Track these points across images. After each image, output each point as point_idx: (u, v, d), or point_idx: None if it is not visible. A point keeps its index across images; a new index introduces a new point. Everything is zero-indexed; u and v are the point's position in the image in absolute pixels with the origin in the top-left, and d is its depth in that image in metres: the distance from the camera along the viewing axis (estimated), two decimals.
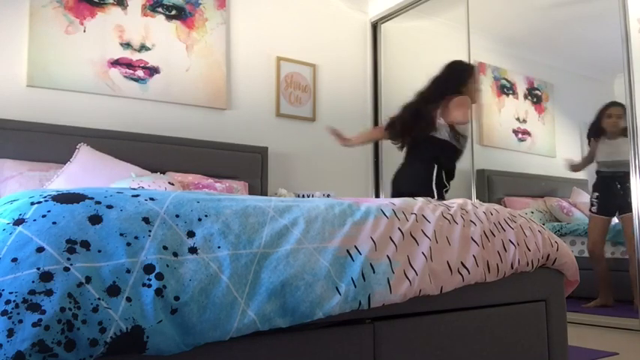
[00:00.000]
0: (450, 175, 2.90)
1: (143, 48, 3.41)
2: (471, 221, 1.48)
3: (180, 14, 3.57)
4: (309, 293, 1.06)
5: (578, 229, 3.97)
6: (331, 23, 4.32)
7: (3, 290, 0.79)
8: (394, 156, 3.37)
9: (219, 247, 1.02)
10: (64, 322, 0.80)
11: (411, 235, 1.31)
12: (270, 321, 1.01)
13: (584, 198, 4.30)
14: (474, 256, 1.40)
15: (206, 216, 1.06)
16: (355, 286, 1.13)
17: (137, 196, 1.04)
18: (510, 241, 1.52)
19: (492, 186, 4.17)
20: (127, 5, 3.38)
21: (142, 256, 0.92)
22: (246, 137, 3.74)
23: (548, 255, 1.62)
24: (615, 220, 3.87)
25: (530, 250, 1.56)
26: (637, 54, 2.92)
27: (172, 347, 0.89)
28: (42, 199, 0.94)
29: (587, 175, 4.35)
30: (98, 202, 0.97)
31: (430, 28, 4.53)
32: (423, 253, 1.29)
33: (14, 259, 0.82)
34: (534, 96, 4.49)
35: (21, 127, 2.85)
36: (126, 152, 3.05)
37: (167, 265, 0.94)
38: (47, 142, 2.89)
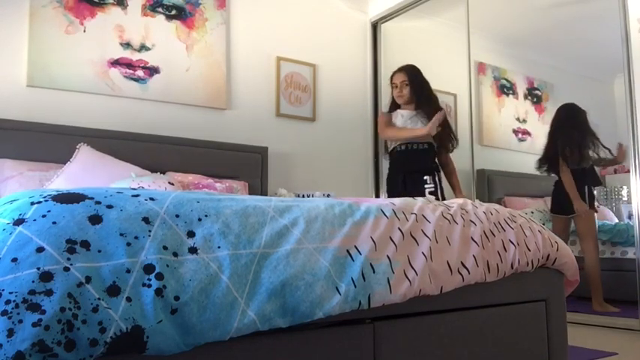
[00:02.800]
0: None
1: (143, 48, 3.41)
2: (471, 221, 1.48)
3: (180, 14, 3.57)
4: (309, 293, 1.06)
5: None
6: (331, 23, 4.32)
7: (3, 290, 0.79)
8: None
9: (219, 247, 1.02)
10: (64, 322, 0.80)
11: (411, 235, 1.31)
12: (270, 321, 1.01)
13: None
14: (474, 256, 1.40)
15: (206, 216, 1.06)
16: (355, 286, 1.12)
17: (137, 196, 1.04)
18: (510, 241, 1.52)
19: (492, 186, 4.16)
20: (127, 5, 3.38)
21: (142, 256, 0.92)
22: (246, 137, 3.74)
23: (548, 255, 1.62)
24: (615, 219, 3.87)
25: (530, 250, 1.56)
26: (637, 54, 2.92)
27: (172, 347, 0.89)
28: (42, 199, 0.94)
29: None
30: (98, 202, 0.97)
31: (430, 28, 4.53)
32: (423, 253, 1.29)
33: (14, 259, 0.82)
34: (534, 96, 4.49)
35: (21, 127, 2.85)
36: (126, 152, 3.05)
37: (167, 265, 0.94)
38: (47, 142, 2.88)
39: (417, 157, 3.23)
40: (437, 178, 3.21)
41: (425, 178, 3.16)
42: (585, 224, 3.48)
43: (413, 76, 3.29)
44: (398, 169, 3.31)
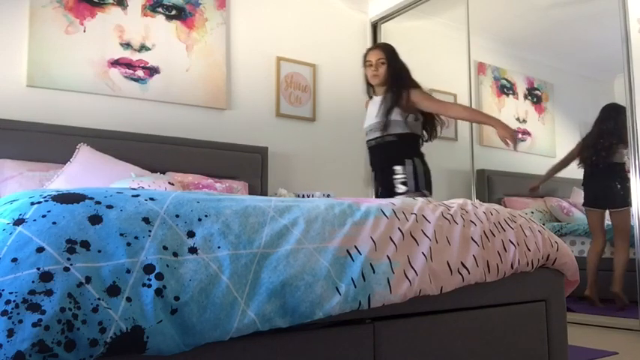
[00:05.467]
0: None
1: (143, 48, 3.41)
2: (471, 221, 1.48)
3: (180, 14, 3.57)
4: (309, 293, 1.06)
5: (578, 229, 3.97)
6: (331, 23, 4.32)
7: (3, 290, 0.79)
8: None
9: (219, 247, 1.02)
10: (64, 322, 0.80)
11: (411, 235, 1.31)
12: (270, 321, 1.01)
13: None
14: (474, 256, 1.40)
15: (206, 216, 1.06)
16: (355, 286, 1.12)
17: (137, 196, 1.04)
18: (510, 241, 1.52)
19: (492, 186, 4.17)
20: (127, 5, 3.38)
21: (142, 256, 0.92)
22: (246, 137, 3.74)
23: (548, 255, 1.62)
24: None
25: (530, 250, 1.56)
26: (637, 54, 2.92)
27: (172, 347, 0.89)
28: (42, 199, 0.94)
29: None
30: (98, 202, 0.97)
31: (430, 28, 4.53)
32: (423, 253, 1.29)
33: (14, 259, 0.82)
34: (534, 96, 4.49)
35: (21, 127, 2.85)
36: (126, 152, 3.05)
37: (167, 265, 0.94)
38: (47, 142, 2.88)
39: (385, 151, 2.86)
40: (412, 167, 2.79)
41: (394, 168, 2.79)
42: (621, 219, 3.38)
43: (390, 54, 2.93)
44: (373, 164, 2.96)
